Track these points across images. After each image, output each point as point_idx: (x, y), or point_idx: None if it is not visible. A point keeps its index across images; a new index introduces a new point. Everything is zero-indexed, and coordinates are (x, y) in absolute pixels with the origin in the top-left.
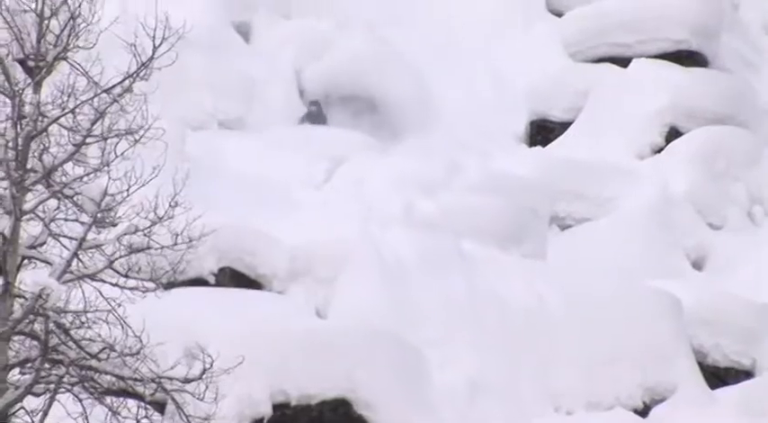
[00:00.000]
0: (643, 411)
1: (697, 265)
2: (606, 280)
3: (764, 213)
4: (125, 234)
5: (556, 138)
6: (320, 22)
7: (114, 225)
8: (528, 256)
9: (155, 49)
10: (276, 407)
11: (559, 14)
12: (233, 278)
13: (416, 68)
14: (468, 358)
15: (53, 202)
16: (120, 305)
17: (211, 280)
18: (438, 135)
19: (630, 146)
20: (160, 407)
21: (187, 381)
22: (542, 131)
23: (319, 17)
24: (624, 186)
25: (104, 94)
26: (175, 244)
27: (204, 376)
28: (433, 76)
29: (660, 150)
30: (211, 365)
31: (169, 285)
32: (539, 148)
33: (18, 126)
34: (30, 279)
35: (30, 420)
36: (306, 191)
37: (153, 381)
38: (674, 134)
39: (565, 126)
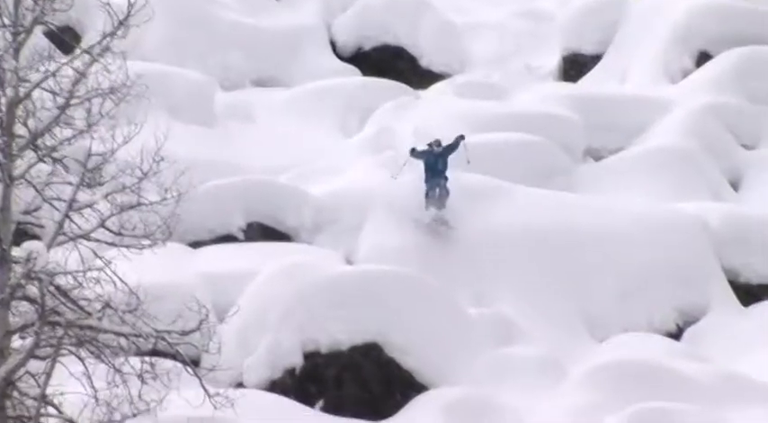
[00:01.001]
0: (677, 334)
1: (732, 187)
2: (634, 207)
3: None
4: (113, 192)
5: (588, 71)
6: None
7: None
8: (560, 189)
9: (130, 6)
10: (307, 356)
11: None
12: (262, 233)
13: (446, 14)
14: (502, 293)
15: (46, 167)
16: (110, 262)
17: (240, 236)
18: (469, 79)
19: (661, 73)
20: None
21: (185, 333)
22: (575, 66)
23: None
24: (656, 114)
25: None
26: (164, 199)
27: (202, 328)
28: (464, 20)
29: (691, 75)
30: (207, 317)
31: (197, 244)
32: (571, 82)
33: (0, 93)
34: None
35: (34, 384)
36: (337, 142)
37: (152, 336)
38: (704, 58)
39: (596, 59)
